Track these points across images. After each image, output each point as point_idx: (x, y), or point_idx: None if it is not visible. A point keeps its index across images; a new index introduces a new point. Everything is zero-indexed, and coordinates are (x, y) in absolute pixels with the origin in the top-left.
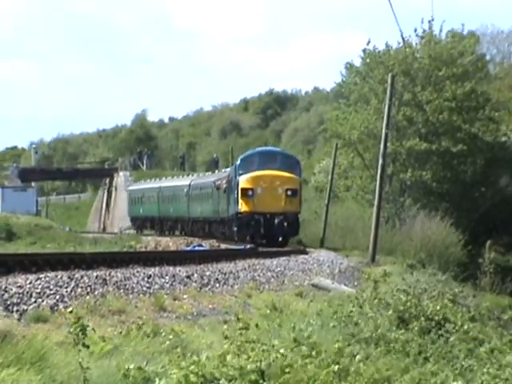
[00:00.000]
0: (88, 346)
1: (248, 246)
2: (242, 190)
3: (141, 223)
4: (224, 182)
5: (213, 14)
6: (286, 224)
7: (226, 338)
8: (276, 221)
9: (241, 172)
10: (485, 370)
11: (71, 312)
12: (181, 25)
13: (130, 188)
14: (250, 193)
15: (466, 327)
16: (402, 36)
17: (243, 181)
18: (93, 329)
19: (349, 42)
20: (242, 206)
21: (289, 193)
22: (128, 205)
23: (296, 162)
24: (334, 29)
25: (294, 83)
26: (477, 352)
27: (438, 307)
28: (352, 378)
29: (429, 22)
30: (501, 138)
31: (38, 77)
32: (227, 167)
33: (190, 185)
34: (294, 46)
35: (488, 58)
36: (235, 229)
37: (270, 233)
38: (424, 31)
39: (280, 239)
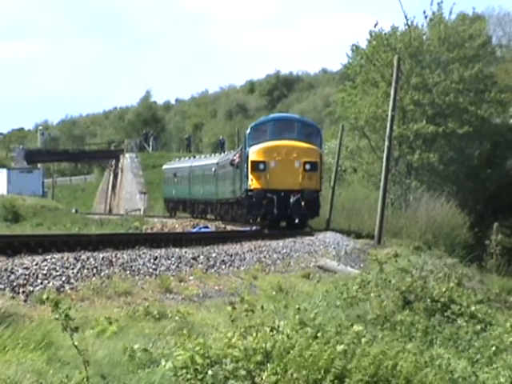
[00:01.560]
0: (76, 329)
1: (254, 228)
2: (253, 163)
3: (174, 205)
4: (237, 156)
5: None
6: (303, 203)
7: (232, 320)
8: (292, 199)
9: (251, 143)
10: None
11: (47, 299)
12: (189, 6)
13: (164, 167)
14: (262, 166)
15: (472, 309)
16: (405, 18)
17: (254, 152)
18: (69, 308)
19: (358, 23)
20: (253, 183)
21: (307, 166)
22: (163, 185)
23: (317, 130)
24: (344, 10)
25: (301, 65)
26: (483, 334)
27: (444, 289)
28: (356, 359)
29: (438, 4)
30: (508, 121)
31: (45, 57)
32: (233, 149)
33: (217, 163)
34: (302, 28)
35: (494, 40)
36: (245, 209)
37: (285, 213)
38: (433, 13)
39: (296, 221)
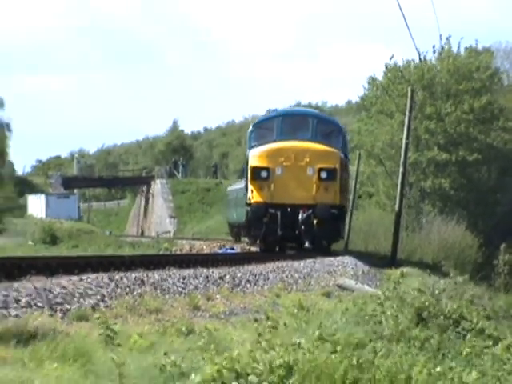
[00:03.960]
0: (119, 345)
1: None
2: (253, 169)
3: (238, 230)
4: None
5: (245, 29)
6: (315, 222)
7: (259, 335)
8: (301, 217)
9: (254, 144)
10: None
11: (98, 318)
12: (214, 38)
13: (229, 189)
14: (265, 174)
15: (481, 325)
16: (418, 53)
17: (255, 156)
18: (112, 327)
19: (371, 54)
20: (253, 195)
21: (323, 175)
22: (226, 208)
23: (337, 129)
24: (358, 41)
25: (321, 95)
26: (493, 349)
27: (456, 306)
28: (371, 372)
29: (446, 38)
30: None
31: (81, 89)
32: None
33: None
34: (319, 58)
35: (502, 71)
36: (246, 229)
37: (292, 234)
38: (442, 47)
39: (306, 244)
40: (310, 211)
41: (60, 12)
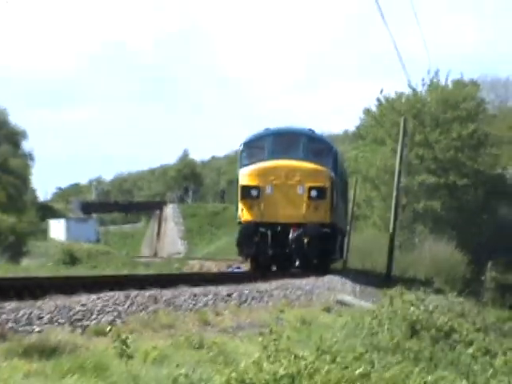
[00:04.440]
0: (132, 357)
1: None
2: (243, 188)
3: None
4: None
5: (257, 65)
6: (306, 241)
7: (264, 347)
8: (291, 236)
9: (244, 163)
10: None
11: (110, 330)
12: (227, 74)
13: None
14: (255, 193)
15: (470, 337)
16: (410, 85)
17: (245, 175)
18: (125, 341)
19: (368, 87)
20: (243, 213)
21: (313, 193)
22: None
23: (328, 147)
24: (358, 76)
25: (321, 125)
26: (481, 359)
27: (446, 319)
28: (373, 382)
29: (435, 72)
30: (499, 171)
31: (97, 120)
32: None
33: None
34: (323, 92)
35: (487, 101)
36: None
37: (283, 253)
38: (431, 80)
39: (297, 263)
40: (301, 230)
41: (86, 49)
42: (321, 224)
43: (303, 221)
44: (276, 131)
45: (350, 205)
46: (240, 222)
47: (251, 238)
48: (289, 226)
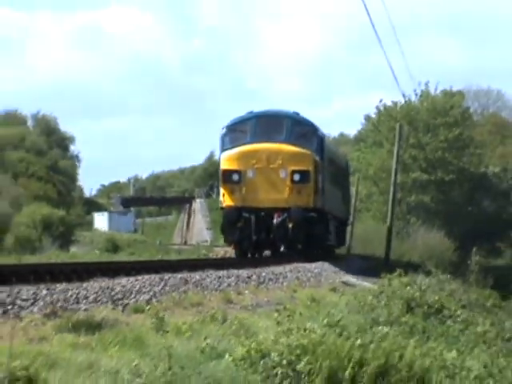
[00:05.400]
0: (167, 331)
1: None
2: (224, 173)
3: None
4: None
5: (271, 78)
6: (290, 225)
7: (277, 323)
8: (275, 221)
9: (227, 147)
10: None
11: (149, 309)
12: (249, 86)
13: None
14: (236, 177)
15: (458, 313)
16: (403, 96)
17: (225, 159)
18: (162, 318)
19: (370, 98)
20: (224, 198)
21: (296, 177)
22: None
23: (312, 130)
24: (360, 89)
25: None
26: (466, 331)
27: (437, 298)
28: (372, 351)
29: (425, 84)
30: (482, 170)
31: (137, 128)
32: None
33: None
34: (329, 102)
35: (472, 109)
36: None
37: (267, 238)
38: (422, 91)
39: (282, 249)
40: (285, 215)
41: (123, 66)
42: (307, 209)
43: (286, 205)
44: (259, 114)
45: (353, 199)
46: (222, 208)
47: (234, 224)
48: (273, 210)
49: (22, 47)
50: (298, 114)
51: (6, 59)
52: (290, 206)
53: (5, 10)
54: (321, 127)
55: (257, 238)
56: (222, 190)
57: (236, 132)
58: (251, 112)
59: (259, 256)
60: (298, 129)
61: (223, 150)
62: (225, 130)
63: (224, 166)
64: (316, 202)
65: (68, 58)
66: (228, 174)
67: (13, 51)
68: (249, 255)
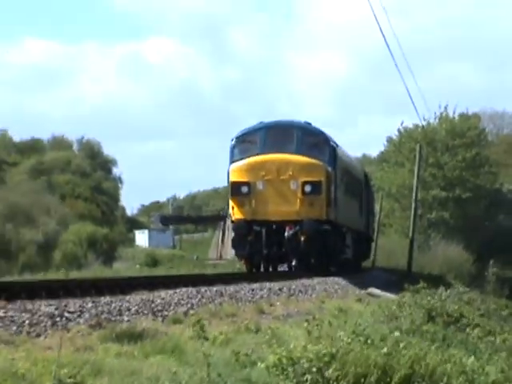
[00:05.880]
0: (207, 339)
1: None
2: (233, 185)
3: None
4: None
5: (298, 104)
6: (302, 239)
7: (307, 332)
8: (287, 234)
9: (236, 158)
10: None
11: (192, 315)
12: (281, 111)
13: None
14: (245, 189)
15: (476, 321)
16: (423, 119)
17: (234, 171)
18: (203, 327)
19: (394, 121)
20: (234, 211)
21: (307, 188)
22: None
23: (323, 140)
24: (385, 112)
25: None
26: (485, 339)
27: (456, 307)
28: (397, 358)
29: (444, 107)
30: (497, 187)
31: (176, 152)
32: None
33: None
34: (357, 126)
35: (487, 130)
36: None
37: (279, 252)
38: (441, 113)
39: (294, 263)
40: (297, 228)
41: (164, 94)
42: (320, 221)
43: (297, 218)
44: (269, 124)
45: (377, 215)
46: (232, 221)
47: (244, 238)
48: (284, 223)
49: (69, 77)
50: (309, 124)
51: (54, 88)
52: (301, 218)
53: (54, 44)
54: (347, 148)
55: (268, 251)
56: (231, 203)
57: (245, 143)
58: (261, 122)
59: (273, 270)
60: (309, 139)
61: (232, 161)
62: (234, 141)
63: (233, 177)
64: (329, 213)
65: (113, 86)
66: (237, 186)
67: (61, 81)
68: (261, 269)
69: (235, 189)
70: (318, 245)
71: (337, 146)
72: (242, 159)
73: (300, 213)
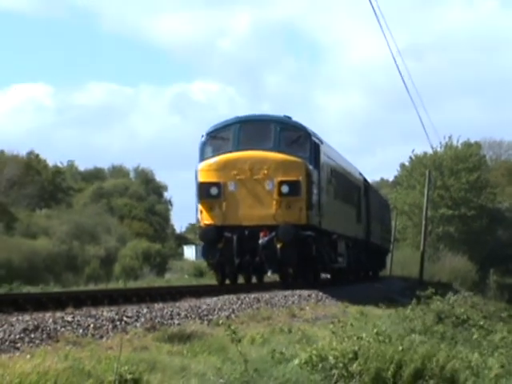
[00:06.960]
0: (239, 341)
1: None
2: (201, 186)
3: None
4: None
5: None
6: (279, 246)
7: (333, 333)
8: (261, 241)
9: (207, 156)
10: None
11: (226, 322)
12: None
13: None
14: (215, 191)
15: (480, 322)
16: (431, 147)
17: (203, 170)
18: (234, 331)
19: (407, 148)
20: (202, 216)
21: (284, 189)
22: None
23: (304, 135)
24: (398, 140)
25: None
26: (487, 337)
27: (463, 310)
28: (410, 354)
29: (449, 137)
30: (497, 205)
31: None
32: None
33: None
34: (375, 153)
35: (487, 156)
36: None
37: (253, 261)
38: (446, 143)
39: (269, 273)
40: (273, 234)
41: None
42: (297, 225)
43: (273, 222)
44: (244, 118)
45: (393, 230)
46: (200, 227)
47: (214, 245)
48: (258, 228)
49: (126, 114)
50: (289, 117)
51: (113, 124)
52: (278, 222)
53: (113, 85)
54: (365, 173)
55: (240, 260)
56: (199, 207)
57: (217, 139)
58: (237, 117)
59: (247, 282)
60: (288, 134)
61: (202, 160)
62: (204, 137)
63: (201, 178)
64: (310, 218)
65: (164, 121)
66: (205, 187)
67: (119, 117)
68: (238, 280)
69: (204, 191)
70: (296, 253)
71: (322, 142)
72: (212, 157)
73: (276, 217)
